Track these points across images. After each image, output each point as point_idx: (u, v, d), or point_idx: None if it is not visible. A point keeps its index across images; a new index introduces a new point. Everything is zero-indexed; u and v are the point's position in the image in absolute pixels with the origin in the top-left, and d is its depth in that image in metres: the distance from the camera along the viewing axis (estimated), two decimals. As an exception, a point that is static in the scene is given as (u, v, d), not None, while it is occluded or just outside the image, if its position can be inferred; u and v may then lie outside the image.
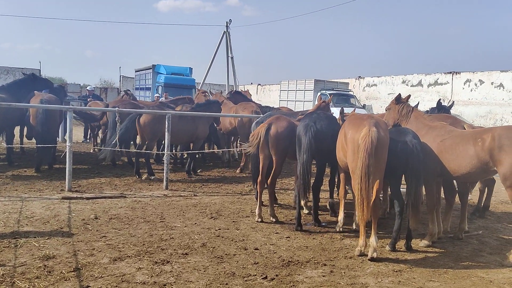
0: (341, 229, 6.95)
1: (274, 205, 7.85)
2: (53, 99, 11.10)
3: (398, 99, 7.14)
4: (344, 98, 26.18)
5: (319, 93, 26.52)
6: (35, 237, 5.81)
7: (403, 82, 27.36)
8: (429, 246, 6.44)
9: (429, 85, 25.55)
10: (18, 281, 4.45)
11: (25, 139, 13.68)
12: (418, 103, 8.23)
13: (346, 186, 7.29)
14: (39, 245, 5.55)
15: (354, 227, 7.03)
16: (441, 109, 8.91)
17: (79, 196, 8.22)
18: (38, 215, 6.89)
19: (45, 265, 4.90)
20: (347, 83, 31.15)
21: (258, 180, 7.50)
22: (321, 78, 29.56)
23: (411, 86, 26.65)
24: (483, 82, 22.68)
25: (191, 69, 30.32)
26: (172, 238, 6.16)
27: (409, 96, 7.42)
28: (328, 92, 26.38)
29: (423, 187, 6.58)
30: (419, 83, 26.23)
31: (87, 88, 20.40)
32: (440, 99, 9.24)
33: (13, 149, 13.10)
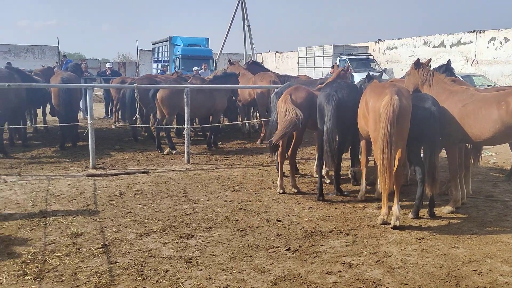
0: (363, 198, 6.93)
1: (296, 175, 7.86)
2: (73, 77, 11.19)
3: (418, 64, 6.92)
4: (364, 62, 25.70)
5: (337, 60, 26.07)
6: (63, 215, 5.98)
7: (425, 43, 26.63)
8: (453, 212, 6.39)
9: (452, 45, 24.83)
10: (49, 259, 4.60)
11: (48, 116, 13.92)
12: (430, 61, 7.60)
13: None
14: (67, 222, 5.71)
15: (376, 195, 7.00)
16: (447, 70, 8.28)
17: (103, 173, 8.38)
18: (65, 193, 7.06)
19: (74, 243, 5.05)
20: (367, 47, 30.50)
21: (279, 152, 7.49)
22: (340, 43, 28.99)
23: (433, 47, 25.95)
24: (509, 40, 21.89)
25: (207, 39, 30.07)
26: (196, 212, 6.25)
27: (429, 60, 7.20)
28: (347, 57, 25.90)
29: (446, 153, 6.49)
30: (442, 44, 25.50)
31: (107, 65, 20.49)
32: (449, 60, 8.65)
33: (37, 128, 13.41)
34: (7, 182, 7.57)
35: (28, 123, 13.57)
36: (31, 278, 4.18)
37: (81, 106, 13.80)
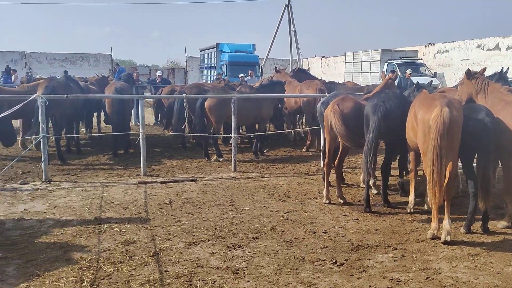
0: (412, 210, 6.79)
1: (342, 185, 7.80)
2: (126, 87, 11.66)
3: (472, 74, 6.70)
4: (413, 67, 25.02)
5: (385, 64, 25.60)
6: (116, 223, 6.24)
7: (478, 46, 25.59)
8: (508, 228, 6.13)
9: (508, 48, 23.71)
10: (103, 266, 4.83)
11: (102, 124, 14.54)
12: (485, 70, 7.30)
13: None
14: (120, 230, 5.96)
15: (425, 207, 6.83)
16: (501, 79, 7.73)
17: (154, 180, 8.66)
18: (118, 200, 7.36)
19: (126, 250, 5.26)
20: (416, 51, 29.72)
21: (325, 162, 7.48)
22: (387, 47, 28.44)
23: (487, 50, 24.90)
24: None
25: (254, 45, 30.40)
26: (242, 222, 6.34)
27: (484, 69, 6.96)
28: (395, 61, 25.38)
29: (501, 166, 6.25)
30: (496, 47, 24.41)
31: (157, 73, 21.14)
32: (503, 68, 8.17)
33: (92, 135, 14.02)
34: (65, 189, 7.99)
35: (83, 130, 14.23)
36: (87, 285, 4.40)
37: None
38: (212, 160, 10.67)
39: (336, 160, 7.39)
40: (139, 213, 6.70)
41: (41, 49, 38.53)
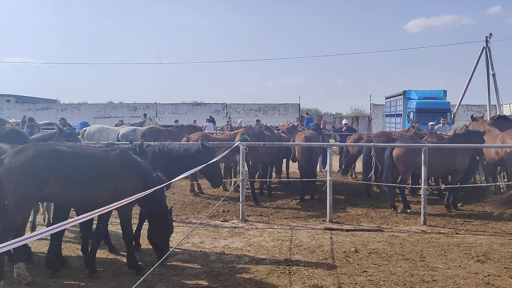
0: None
1: (558, 252, 6.69)
2: (314, 136, 12.26)
3: None
4: None
5: None
6: (304, 266, 6.48)
7: None
8: None
9: None
10: (294, 307, 5.06)
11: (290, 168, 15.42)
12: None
13: None
14: (308, 273, 6.17)
15: None
16: None
17: (339, 227, 8.75)
18: (305, 244, 7.65)
19: (315, 294, 5.42)
20: None
21: (536, 223, 6.55)
22: None
23: None
24: None
25: (445, 91, 28.75)
26: (435, 280, 5.93)
27: None
28: None
29: None
30: None
31: (343, 121, 21.59)
32: None
33: (281, 180, 14.96)
34: (258, 229, 8.67)
35: (274, 174, 15.28)
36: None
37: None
38: (399, 211, 10.29)
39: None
40: (326, 259, 6.84)
41: (239, 101, 43.20)
